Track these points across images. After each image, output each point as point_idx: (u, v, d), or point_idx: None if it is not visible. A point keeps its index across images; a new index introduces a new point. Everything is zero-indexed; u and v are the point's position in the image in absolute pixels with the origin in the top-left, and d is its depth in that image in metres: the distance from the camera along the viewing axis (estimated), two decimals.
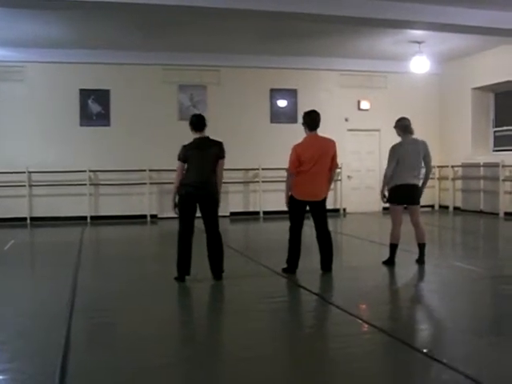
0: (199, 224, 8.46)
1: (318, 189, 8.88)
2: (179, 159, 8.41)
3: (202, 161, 8.32)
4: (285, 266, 9.04)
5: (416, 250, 9.63)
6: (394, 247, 9.54)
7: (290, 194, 8.94)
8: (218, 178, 8.48)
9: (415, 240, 9.66)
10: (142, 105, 18.20)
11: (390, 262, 9.51)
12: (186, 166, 8.41)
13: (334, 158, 9.00)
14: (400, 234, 9.52)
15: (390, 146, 9.60)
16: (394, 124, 9.71)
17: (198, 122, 8.51)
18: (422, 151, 9.49)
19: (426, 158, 9.56)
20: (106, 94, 18.17)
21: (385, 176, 9.54)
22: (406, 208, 9.60)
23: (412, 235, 9.71)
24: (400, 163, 9.34)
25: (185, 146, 8.45)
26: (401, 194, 9.40)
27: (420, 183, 9.61)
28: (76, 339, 5.83)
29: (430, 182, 19.98)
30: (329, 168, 8.97)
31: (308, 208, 8.96)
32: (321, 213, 9.01)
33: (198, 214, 8.46)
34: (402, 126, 9.56)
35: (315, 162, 8.75)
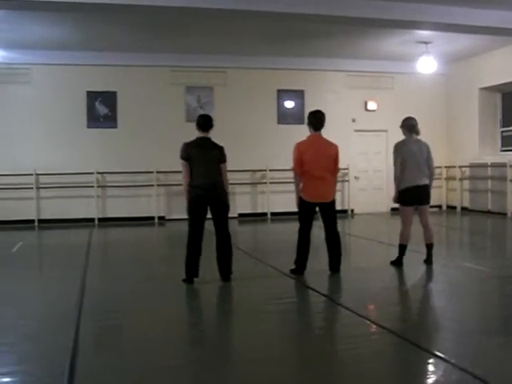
0: (207, 226, 8.47)
1: (326, 190, 8.88)
2: (182, 158, 8.40)
3: (206, 161, 8.34)
4: (293, 266, 9.04)
5: (424, 250, 9.60)
6: (403, 248, 9.52)
7: (300, 195, 8.94)
8: (224, 183, 8.50)
9: (423, 240, 9.64)
10: (149, 106, 18.22)
11: (398, 263, 9.49)
12: (188, 164, 8.43)
13: (335, 162, 9.01)
14: (410, 235, 9.50)
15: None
16: (400, 124, 9.70)
17: (204, 123, 8.53)
18: (424, 153, 9.46)
19: (429, 160, 9.51)
20: (113, 95, 18.20)
21: (395, 178, 9.52)
22: (415, 209, 9.57)
23: (420, 236, 9.69)
24: (406, 163, 9.32)
25: (186, 144, 8.48)
26: (411, 196, 9.36)
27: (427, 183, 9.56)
28: (84, 341, 5.84)
29: (437, 183, 20.00)
30: (332, 172, 8.99)
31: (318, 209, 8.97)
32: (330, 214, 9.01)
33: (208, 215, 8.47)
34: (409, 125, 9.53)
35: (319, 162, 8.76)
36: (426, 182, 9.45)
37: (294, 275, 8.89)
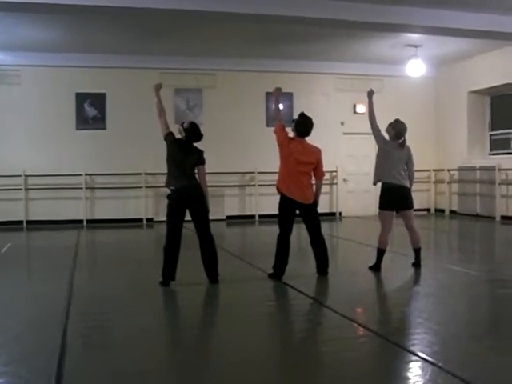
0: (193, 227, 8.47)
1: (306, 191, 8.78)
2: (170, 133, 8.69)
3: (185, 165, 8.40)
4: (271, 271, 8.95)
5: (412, 253, 9.59)
6: (381, 252, 9.40)
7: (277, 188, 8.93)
8: (202, 185, 8.52)
9: (410, 244, 9.62)
10: (137, 108, 18.13)
11: (376, 268, 9.37)
12: (166, 165, 8.59)
13: (318, 166, 8.96)
14: (388, 240, 9.44)
15: None
16: (390, 122, 9.67)
17: (193, 133, 8.61)
18: (405, 156, 9.42)
19: (409, 164, 9.45)
20: (102, 97, 18.17)
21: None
22: (397, 213, 9.53)
23: (407, 238, 9.68)
24: (386, 159, 9.31)
25: (175, 138, 8.65)
26: (391, 200, 9.27)
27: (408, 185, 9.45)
28: (72, 342, 5.81)
29: (425, 186, 20.03)
30: (317, 176, 8.96)
31: (299, 213, 8.92)
32: (313, 218, 8.94)
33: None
34: (400, 131, 9.47)
35: (299, 160, 8.72)
36: (406, 184, 9.34)
37: (272, 280, 8.79)
